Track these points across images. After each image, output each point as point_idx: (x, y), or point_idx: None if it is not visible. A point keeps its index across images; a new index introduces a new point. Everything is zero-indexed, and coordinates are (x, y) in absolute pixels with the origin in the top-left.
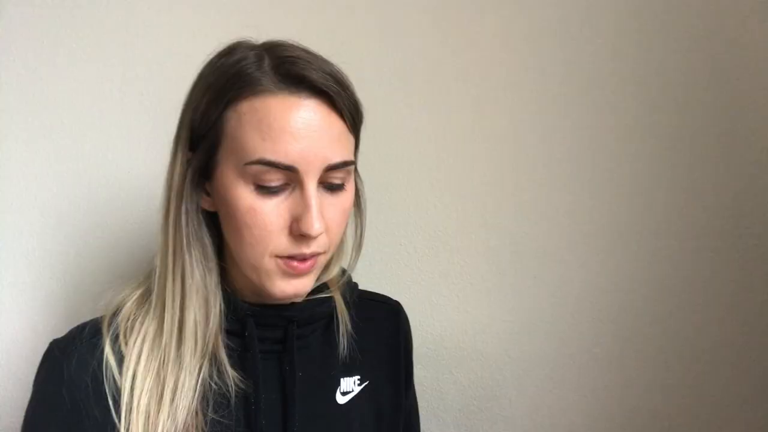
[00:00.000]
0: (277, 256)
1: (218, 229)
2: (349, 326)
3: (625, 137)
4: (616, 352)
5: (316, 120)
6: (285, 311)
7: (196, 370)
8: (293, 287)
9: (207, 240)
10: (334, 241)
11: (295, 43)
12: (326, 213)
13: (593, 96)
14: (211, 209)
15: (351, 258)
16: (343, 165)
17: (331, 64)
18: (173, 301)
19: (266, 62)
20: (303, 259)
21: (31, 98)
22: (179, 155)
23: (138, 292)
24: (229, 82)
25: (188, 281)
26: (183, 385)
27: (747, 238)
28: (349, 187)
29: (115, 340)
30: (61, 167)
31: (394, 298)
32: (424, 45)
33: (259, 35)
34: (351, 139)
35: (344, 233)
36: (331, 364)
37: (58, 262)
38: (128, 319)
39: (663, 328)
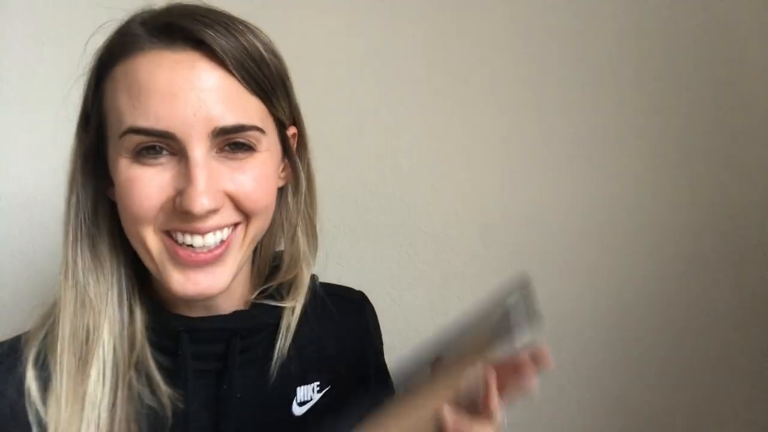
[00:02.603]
0: (164, 232)
1: None
2: (288, 343)
3: (625, 138)
4: (616, 352)
5: (194, 75)
6: (226, 322)
7: (108, 388)
8: (195, 283)
9: (102, 237)
10: (256, 209)
11: (201, 4)
12: (226, 182)
13: (593, 96)
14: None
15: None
16: (240, 129)
17: (239, 21)
18: (64, 307)
19: (148, 16)
20: (201, 245)
21: (31, 98)
22: (74, 140)
23: None
24: (107, 50)
25: (77, 281)
26: (94, 404)
27: (747, 239)
28: (264, 153)
29: (39, 359)
30: (62, 167)
31: (394, 297)
32: (424, 45)
33: None
34: (255, 103)
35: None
36: (282, 375)
37: (58, 263)
38: (51, 337)
39: (663, 328)
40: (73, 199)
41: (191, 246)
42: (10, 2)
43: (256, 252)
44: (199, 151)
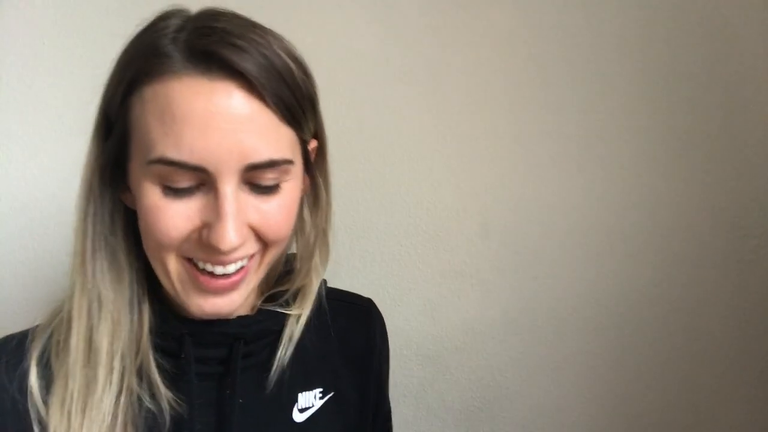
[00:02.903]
0: (186, 258)
1: None
2: (290, 351)
3: (625, 138)
4: (616, 352)
5: (230, 108)
6: (230, 327)
7: (113, 395)
8: (212, 306)
9: (120, 245)
10: (278, 239)
11: (237, 13)
12: (251, 214)
13: (594, 96)
14: (132, 206)
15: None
16: (270, 165)
17: (273, 38)
18: (79, 317)
19: (182, 35)
20: (222, 272)
21: (31, 98)
22: (91, 146)
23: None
24: (135, 61)
25: (93, 293)
26: (100, 410)
27: (747, 239)
28: (290, 186)
29: (44, 357)
30: (62, 167)
31: (394, 297)
32: (424, 45)
33: None
34: (287, 133)
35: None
36: (284, 380)
37: (59, 263)
38: (59, 337)
39: (663, 328)
40: (90, 210)
41: (211, 273)
42: (10, 2)
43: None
44: (230, 187)
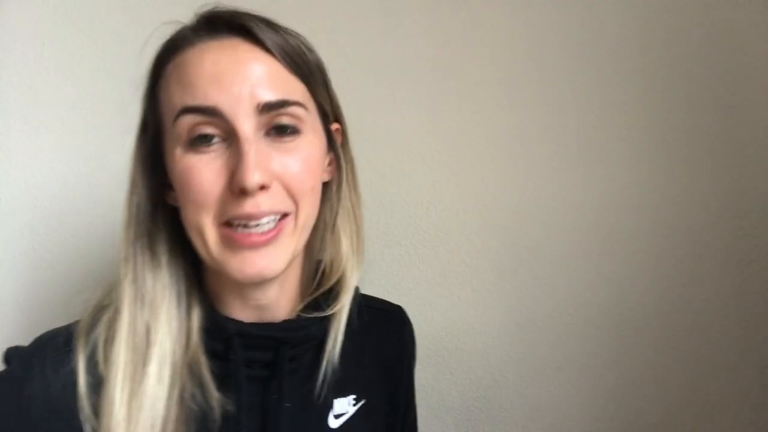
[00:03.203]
0: (223, 224)
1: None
2: (337, 353)
3: (625, 137)
4: (616, 352)
5: (237, 57)
6: (276, 331)
7: (165, 390)
8: (252, 265)
9: (162, 238)
10: (302, 198)
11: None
12: (274, 163)
13: (594, 96)
14: (176, 204)
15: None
16: (283, 104)
17: (275, 23)
18: (128, 312)
19: (193, 22)
20: (256, 225)
21: (31, 98)
22: (134, 146)
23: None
24: (157, 56)
25: (139, 285)
26: (152, 405)
27: (747, 239)
28: (310, 135)
29: (93, 356)
30: (61, 167)
31: (394, 297)
32: (424, 44)
33: None
34: (296, 83)
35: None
36: (322, 386)
37: (59, 263)
38: (106, 332)
39: (663, 328)
40: (134, 200)
41: (246, 226)
42: (11, 2)
43: (305, 257)
44: (248, 126)
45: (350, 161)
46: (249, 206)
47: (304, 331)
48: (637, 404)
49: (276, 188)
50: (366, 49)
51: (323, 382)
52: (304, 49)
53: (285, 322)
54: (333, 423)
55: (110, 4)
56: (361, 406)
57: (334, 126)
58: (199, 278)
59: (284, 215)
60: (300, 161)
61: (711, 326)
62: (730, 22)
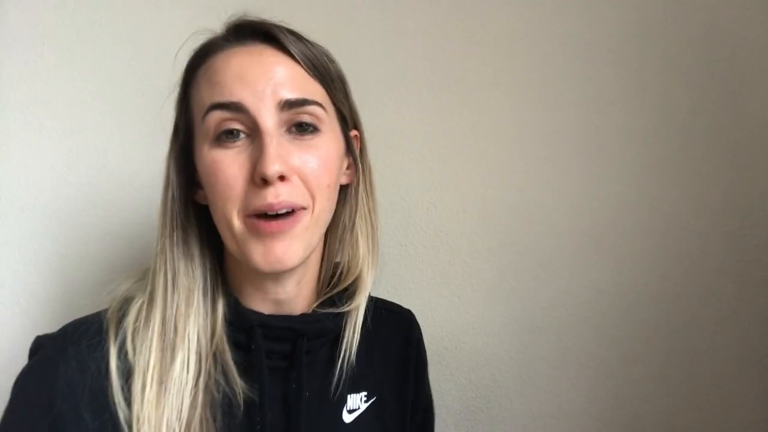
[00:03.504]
0: (247, 216)
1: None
2: (354, 348)
3: (625, 138)
4: (616, 352)
5: (262, 60)
6: (295, 323)
7: (192, 376)
8: (272, 252)
9: (193, 231)
10: (318, 193)
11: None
12: (294, 158)
13: (594, 96)
14: (204, 202)
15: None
16: (304, 102)
17: (300, 33)
18: (160, 299)
19: (222, 31)
20: (275, 215)
21: (31, 98)
22: (168, 149)
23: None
24: (190, 61)
25: (172, 275)
26: (180, 390)
27: (747, 239)
28: (329, 135)
29: (123, 344)
30: (62, 167)
31: (394, 297)
32: (424, 45)
33: None
34: (316, 86)
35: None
36: (338, 381)
37: (60, 263)
38: (136, 320)
39: (663, 328)
40: (169, 195)
41: (266, 215)
42: (10, 3)
43: (323, 257)
44: (270, 121)
45: (368, 167)
46: (270, 196)
47: (320, 324)
48: (637, 404)
49: (295, 182)
50: (366, 49)
51: (339, 377)
52: (326, 59)
53: (303, 315)
54: (347, 418)
55: (110, 4)
56: (372, 403)
57: (353, 133)
58: (222, 273)
59: (302, 209)
60: (318, 158)
61: (711, 326)
62: (730, 23)
